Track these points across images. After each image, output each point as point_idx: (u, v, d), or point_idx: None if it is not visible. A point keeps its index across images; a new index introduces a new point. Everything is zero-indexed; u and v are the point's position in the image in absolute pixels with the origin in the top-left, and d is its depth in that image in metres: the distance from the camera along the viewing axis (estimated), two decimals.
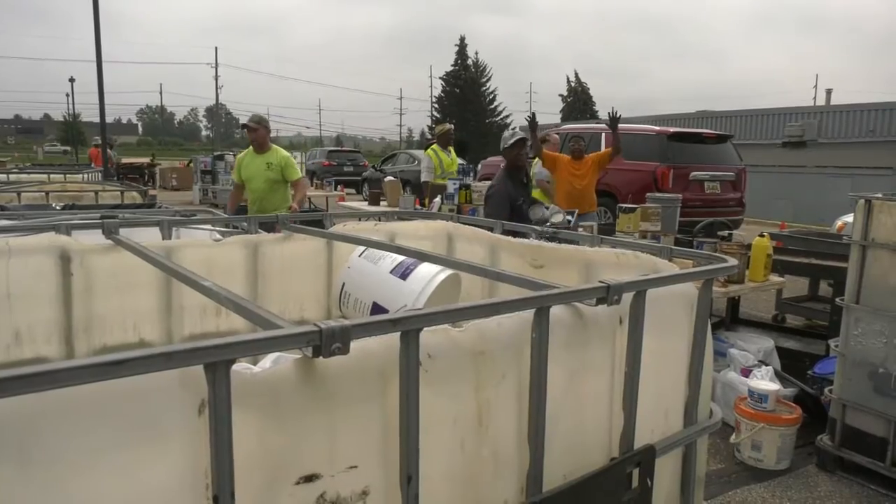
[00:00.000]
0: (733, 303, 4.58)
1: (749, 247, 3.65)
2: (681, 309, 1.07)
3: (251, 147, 5.11)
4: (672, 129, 9.06)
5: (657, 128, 9.33)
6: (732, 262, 1.15)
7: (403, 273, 1.44)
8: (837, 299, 3.09)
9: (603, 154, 6.81)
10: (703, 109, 23.96)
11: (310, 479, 0.65)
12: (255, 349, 0.59)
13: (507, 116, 49.93)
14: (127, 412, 0.56)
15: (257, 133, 4.84)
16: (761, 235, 3.76)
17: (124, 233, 1.40)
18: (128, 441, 0.56)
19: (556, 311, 0.83)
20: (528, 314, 0.80)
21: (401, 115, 73.71)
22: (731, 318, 4.55)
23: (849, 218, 6.63)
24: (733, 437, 3.13)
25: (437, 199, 5.40)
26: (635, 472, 0.96)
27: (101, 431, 0.55)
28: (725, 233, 4.08)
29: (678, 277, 1.01)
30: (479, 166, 11.92)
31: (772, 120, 20.23)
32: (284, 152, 5.03)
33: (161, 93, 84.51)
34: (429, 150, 7.13)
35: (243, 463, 0.59)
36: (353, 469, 0.68)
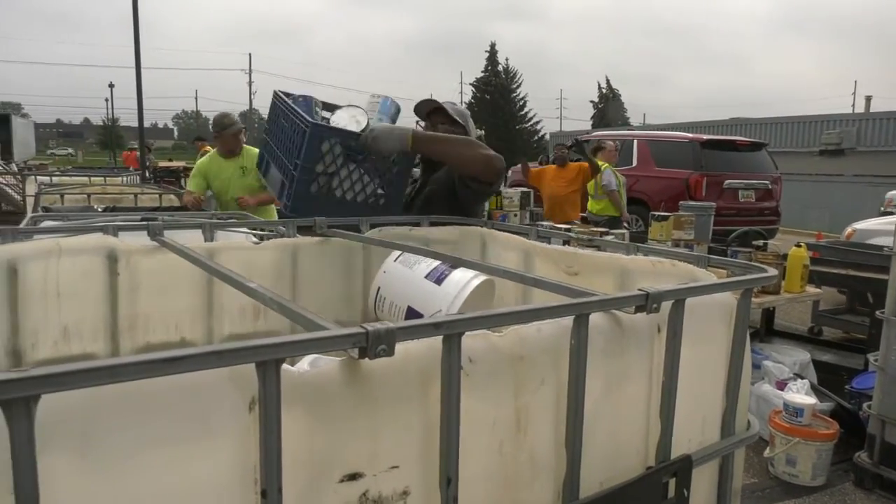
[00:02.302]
0: (768, 314, 4.50)
1: (785, 257, 3.60)
2: (719, 318, 1.07)
3: (215, 150, 4.29)
4: (705, 137, 8.97)
5: (690, 135, 9.23)
6: (772, 271, 1.13)
7: (438, 278, 1.45)
8: (877, 312, 3.02)
9: (585, 167, 6.89)
10: (737, 116, 23.60)
11: (353, 477, 0.67)
12: (304, 349, 0.61)
13: (538, 123, 49.84)
14: (180, 408, 0.59)
15: (225, 142, 4.03)
16: (798, 245, 3.69)
17: (166, 234, 1.44)
18: (181, 435, 0.58)
19: (595, 318, 0.83)
20: (567, 321, 0.81)
21: None
22: (765, 330, 4.48)
23: (859, 225, 6.44)
24: (767, 451, 3.08)
25: None
26: (672, 482, 0.96)
27: (155, 425, 0.58)
28: (760, 242, 4.02)
29: (718, 286, 1.00)
30: (510, 173, 11.92)
31: (808, 127, 19.85)
32: (256, 150, 3.90)
33: (196, 98, 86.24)
34: None
35: (290, 459, 0.61)
36: (394, 469, 0.70)
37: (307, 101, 2.06)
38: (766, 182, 8.72)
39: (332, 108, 2.07)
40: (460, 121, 2.31)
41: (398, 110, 2.13)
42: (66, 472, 0.54)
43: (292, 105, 1.88)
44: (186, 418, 0.59)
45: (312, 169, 1.77)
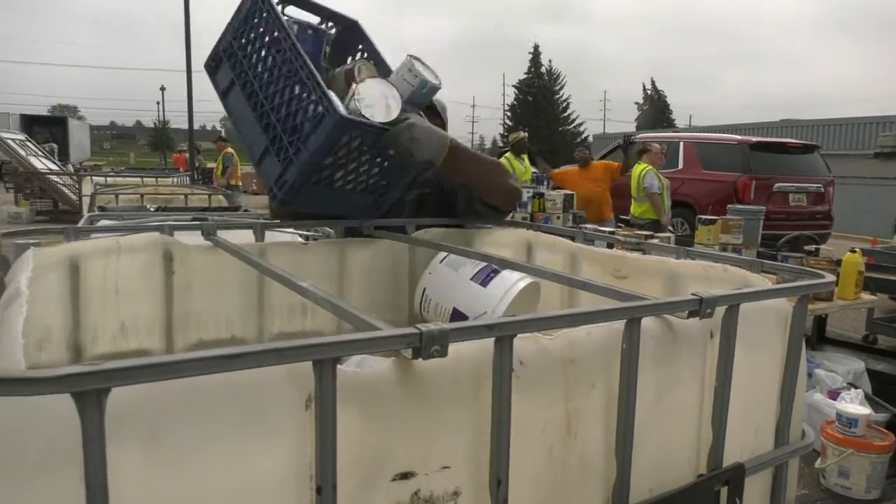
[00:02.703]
0: (820, 321, 4.37)
1: (839, 262, 3.48)
2: (773, 325, 1.04)
3: None
4: (755, 139, 8.75)
5: (738, 137, 9.03)
6: (830, 277, 1.10)
7: (484, 280, 1.46)
8: None
9: (614, 166, 6.86)
10: (788, 118, 22.95)
11: (405, 476, 0.68)
12: (359, 348, 0.62)
13: (581, 125, 49.35)
14: (240, 404, 0.60)
15: None
16: (852, 251, 3.57)
17: (219, 234, 1.48)
18: (241, 431, 0.60)
19: (647, 322, 0.82)
20: (618, 325, 0.80)
21: (473, 122, 73.88)
22: (817, 338, 4.35)
23: None
24: (819, 461, 2.98)
25: None
26: (723, 490, 0.94)
27: (216, 421, 0.59)
28: (812, 247, 3.91)
29: (774, 292, 0.98)
30: None
31: (863, 129, 19.18)
32: None
33: None
34: (502, 159, 7.16)
35: (344, 457, 0.62)
36: (445, 469, 0.70)
37: (317, 38, 1.60)
38: (819, 185, 8.45)
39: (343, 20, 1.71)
40: (443, 115, 2.08)
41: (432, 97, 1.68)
42: (133, 464, 0.56)
43: (300, 50, 1.43)
44: (246, 414, 0.60)
45: (321, 163, 1.46)
